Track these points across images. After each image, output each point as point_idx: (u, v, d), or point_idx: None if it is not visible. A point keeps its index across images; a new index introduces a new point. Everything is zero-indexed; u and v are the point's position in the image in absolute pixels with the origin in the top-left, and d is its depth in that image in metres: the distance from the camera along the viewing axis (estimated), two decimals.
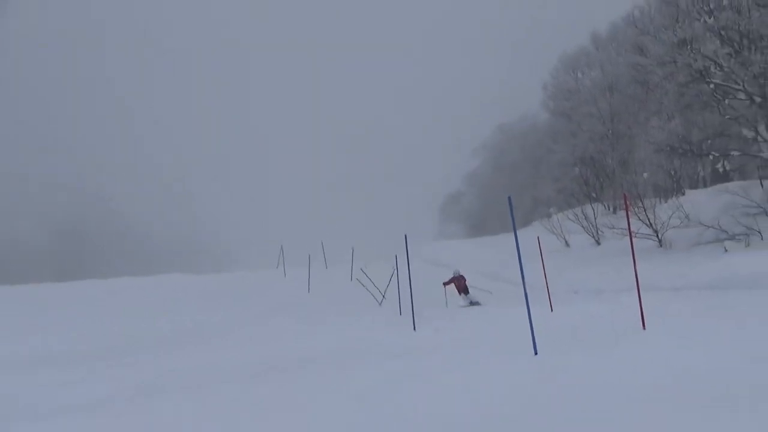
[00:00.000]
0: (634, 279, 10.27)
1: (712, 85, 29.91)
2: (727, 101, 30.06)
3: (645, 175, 37.23)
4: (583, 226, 34.30)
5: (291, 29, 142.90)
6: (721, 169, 33.36)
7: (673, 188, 41.12)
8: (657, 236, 29.49)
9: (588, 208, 36.54)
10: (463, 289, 21.08)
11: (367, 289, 22.41)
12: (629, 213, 12.09)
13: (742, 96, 29.53)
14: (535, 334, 8.41)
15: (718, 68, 29.73)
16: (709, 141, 31.97)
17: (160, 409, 6.50)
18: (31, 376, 10.78)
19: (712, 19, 29.49)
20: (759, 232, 24.81)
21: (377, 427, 5.05)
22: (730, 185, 32.43)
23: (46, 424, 5.76)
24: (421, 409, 5.41)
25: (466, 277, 21.50)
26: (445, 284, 21.40)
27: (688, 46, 29.94)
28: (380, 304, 21.39)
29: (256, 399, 6.57)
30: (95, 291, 29.05)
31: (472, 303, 20.42)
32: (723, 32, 29.08)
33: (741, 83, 29.01)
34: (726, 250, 24.31)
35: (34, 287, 30.54)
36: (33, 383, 9.91)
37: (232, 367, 9.93)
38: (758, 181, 32.08)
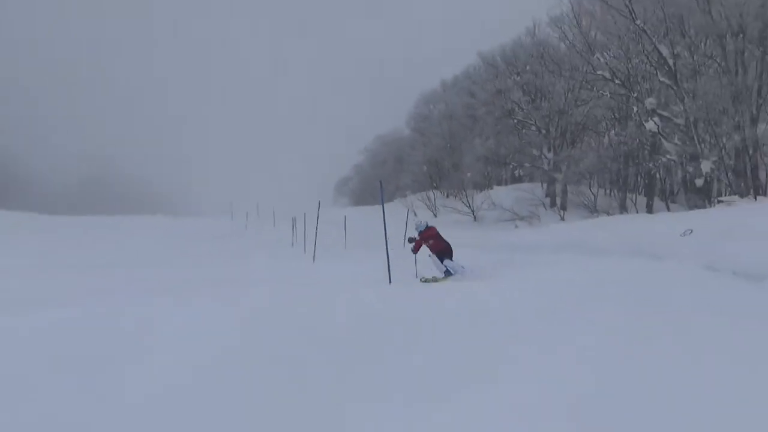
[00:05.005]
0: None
1: (515, 120, 34.48)
2: (524, 131, 34.53)
3: (468, 174, 39.41)
4: (427, 204, 37.55)
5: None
6: (517, 174, 38.22)
7: (486, 184, 44.00)
8: (473, 214, 32.48)
9: (431, 193, 39.96)
10: (442, 251, 11.49)
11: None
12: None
13: (534, 129, 33.73)
14: (390, 271, 9.48)
15: (520, 110, 34.37)
16: (511, 155, 35.37)
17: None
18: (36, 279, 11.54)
19: (518, 77, 34.31)
20: (539, 216, 29.08)
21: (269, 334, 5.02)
22: (522, 185, 35.67)
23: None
24: (298, 320, 5.48)
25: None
26: (414, 249, 11.90)
27: (502, 94, 34.49)
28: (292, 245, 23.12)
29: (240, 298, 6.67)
30: (107, 223, 31.91)
31: (434, 277, 11.21)
32: (525, 87, 34.49)
33: (534, 120, 33.16)
34: (517, 227, 26.81)
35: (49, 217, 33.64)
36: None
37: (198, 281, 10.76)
38: (540, 184, 35.63)
